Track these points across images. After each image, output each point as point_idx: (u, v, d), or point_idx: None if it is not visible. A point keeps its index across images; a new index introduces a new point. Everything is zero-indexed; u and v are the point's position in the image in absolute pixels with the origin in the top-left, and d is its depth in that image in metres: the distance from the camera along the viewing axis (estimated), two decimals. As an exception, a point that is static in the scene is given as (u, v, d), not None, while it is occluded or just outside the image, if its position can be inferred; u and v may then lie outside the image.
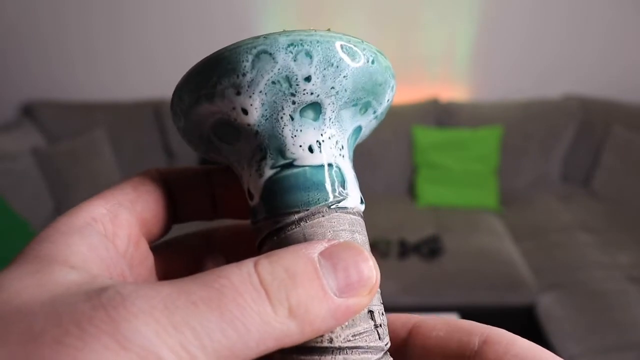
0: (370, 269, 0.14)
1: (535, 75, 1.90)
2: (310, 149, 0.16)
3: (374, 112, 0.18)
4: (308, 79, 0.15)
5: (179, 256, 0.20)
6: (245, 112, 0.15)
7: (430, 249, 1.42)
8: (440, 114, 1.82)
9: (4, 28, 1.82)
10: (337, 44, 0.15)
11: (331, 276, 0.13)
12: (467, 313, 1.18)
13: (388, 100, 0.18)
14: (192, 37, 1.87)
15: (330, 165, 0.16)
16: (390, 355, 0.17)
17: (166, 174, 0.19)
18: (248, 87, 0.15)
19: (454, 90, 1.93)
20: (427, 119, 1.81)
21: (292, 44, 0.15)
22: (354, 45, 0.15)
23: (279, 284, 0.12)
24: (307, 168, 0.16)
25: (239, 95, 0.15)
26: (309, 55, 0.15)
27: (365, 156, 1.80)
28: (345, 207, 0.16)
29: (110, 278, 0.14)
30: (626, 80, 1.85)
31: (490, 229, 1.57)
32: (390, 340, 0.17)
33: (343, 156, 0.16)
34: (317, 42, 0.15)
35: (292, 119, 0.16)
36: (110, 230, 0.16)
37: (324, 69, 0.15)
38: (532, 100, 1.82)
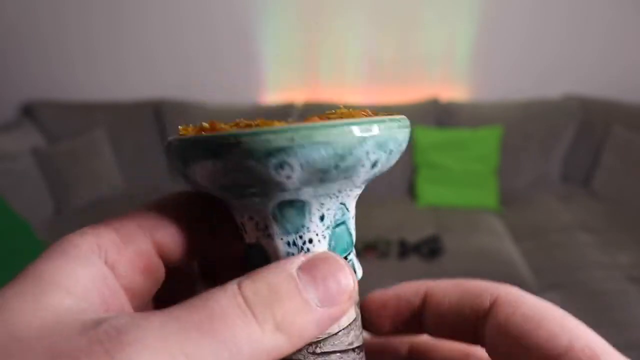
0: (347, 277, 0.15)
1: (535, 75, 1.90)
2: (241, 229, 0.17)
3: (276, 192, 0.16)
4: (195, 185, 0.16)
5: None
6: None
7: (430, 249, 1.42)
8: (440, 114, 1.82)
9: (4, 28, 1.82)
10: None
11: (312, 289, 0.14)
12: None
13: (289, 177, 0.15)
14: (192, 37, 1.87)
15: (254, 245, 0.17)
16: (408, 324, 0.19)
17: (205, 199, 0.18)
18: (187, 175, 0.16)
19: (454, 90, 1.93)
20: (427, 119, 1.81)
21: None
22: (187, 157, 0.15)
23: (263, 302, 0.13)
24: (244, 245, 0.17)
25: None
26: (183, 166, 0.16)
27: (365, 156, 1.80)
28: None
29: (106, 310, 0.14)
30: (626, 80, 1.85)
31: (490, 229, 1.56)
32: (406, 309, 0.19)
33: (269, 235, 0.16)
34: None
35: (231, 201, 0.17)
36: (113, 259, 0.16)
37: (200, 178, 0.16)
38: (532, 100, 1.82)
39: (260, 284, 0.13)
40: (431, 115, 1.81)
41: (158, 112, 1.85)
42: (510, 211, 1.70)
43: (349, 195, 0.17)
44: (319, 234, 0.16)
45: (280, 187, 0.15)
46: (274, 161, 0.14)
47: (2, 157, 1.58)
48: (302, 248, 0.16)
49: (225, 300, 0.13)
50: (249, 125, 0.15)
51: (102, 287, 0.15)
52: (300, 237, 0.16)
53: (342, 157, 0.14)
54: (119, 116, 1.86)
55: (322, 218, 0.17)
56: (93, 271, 0.15)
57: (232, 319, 0.12)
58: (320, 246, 0.16)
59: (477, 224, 1.59)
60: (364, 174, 0.16)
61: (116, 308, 0.15)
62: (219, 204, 0.18)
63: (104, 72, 1.94)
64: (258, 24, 1.85)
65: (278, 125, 0.14)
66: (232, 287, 0.13)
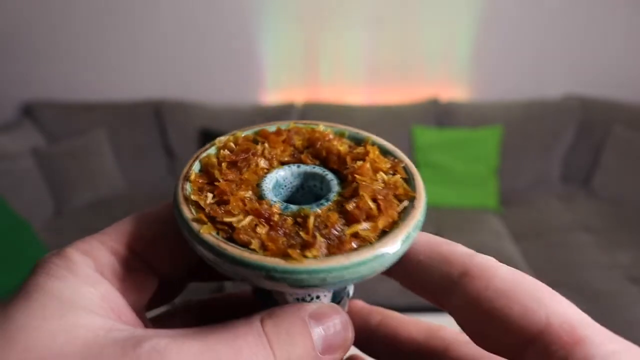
0: (347, 331, 0.17)
1: (535, 75, 1.90)
2: None
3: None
4: None
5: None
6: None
7: (430, 249, 1.42)
8: (440, 114, 1.82)
9: (4, 28, 1.82)
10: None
11: (319, 337, 0.16)
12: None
13: (317, 297, 0.19)
14: (192, 37, 1.87)
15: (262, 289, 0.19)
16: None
17: None
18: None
19: (454, 90, 1.93)
20: (427, 119, 1.81)
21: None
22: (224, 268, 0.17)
23: (282, 343, 0.15)
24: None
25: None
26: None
27: (365, 156, 1.80)
28: None
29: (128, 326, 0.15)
30: (626, 80, 1.85)
31: (490, 229, 1.56)
32: None
33: (281, 292, 0.19)
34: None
35: None
36: (110, 273, 0.17)
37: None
38: (532, 100, 1.82)
39: (280, 327, 0.15)
40: (431, 115, 1.81)
41: (158, 112, 1.85)
42: (510, 211, 1.70)
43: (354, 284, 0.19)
44: (326, 294, 0.19)
45: (304, 300, 0.18)
46: (302, 292, 0.17)
47: (2, 157, 1.58)
48: (309, 302, 0.18)
49: (253, 338, 0.15)
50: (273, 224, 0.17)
51: (112, 302, 0.16)
52: (309, 294, 0.18)
53: (361, 278, 0.16)
54: (119, 116, 1.86)
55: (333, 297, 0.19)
56: (101, 288, 0.16)
57: (258, 357, 0.15)
58: (325, 299, 0.19)
59: (477, 224, 1.59)
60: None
61: (130, 322, 0.16)
62: None
63: (104, 72, 1.93)
64: (258, 24, 1.85)
65: (314, 263, 0.15)
66: (257, 325, 0.15)
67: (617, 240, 1.50)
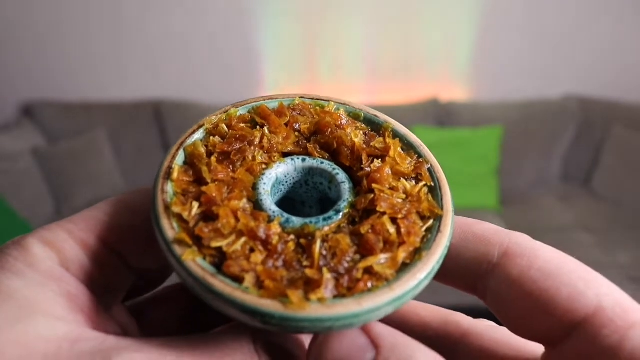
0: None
1: (535, 75, 1.90)
2: None
3: None
4: None
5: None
6: None
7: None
8: (440, 114, 1.82)
9: (4, 28, 1.82)
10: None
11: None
12: (467, 313, 1.18)
13: None
14: (192, 37, 1.87)
15: None
16: None
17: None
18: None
19: (454, 90, 1.93)
20: (427, 119, 1.81)
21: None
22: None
23: None
24: None
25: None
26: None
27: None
28: None
29: (95, 328, 0.13)
30: (626, 80, 1.85)
31: (490, 229, 1.56)
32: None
33: None
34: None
35: None
36: (74, 265, 0.14)
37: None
38: (532, 100, 1.82)
39: (275, 351, 0.14)
40: (431, 115, 1.81)
41: (158, 112, 1.85)
42: (510, 211, 1.70)
43: None
44: None
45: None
46: (306, 332, 0.14)
47: (2, 157, 1.58)
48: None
49: (241, 356, 0.13)
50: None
51: (80, 303, 0.13)
52: None
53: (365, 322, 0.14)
54: (119, 116, 1.86)
55: None
56: (66, 286, 0.13)
57: None
58: None
59: (477, 224, 1.59)
60: None
61: (101, 326, 0.14)
62: None
63: (104, 72, 1.93)
64: (258, 24, 1.85)
65: (320, 311, 0.13)
66: (249, 345, 0.13)
67: (617, 240, 1.50)
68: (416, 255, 0.14)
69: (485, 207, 1.70)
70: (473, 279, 0.15)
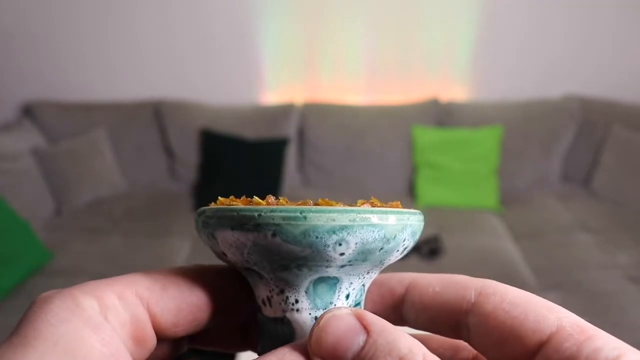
0: None
1: (535, 75, 1.90)
2: (264, 302, 0.18)
3: (328, 267, 0.17)
4: (221, 255, 0.18)
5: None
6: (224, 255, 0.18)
7: (430, 249, 1.42)
8: (440, 114, 1.82)
9: (4, 28, 1.82)
10: (229, 227, 0.16)
11: None
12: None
13: (343, 254, 0.16)
14: (192, 37, 1.87)
15: (279, 319, 0.18)
16: (387, 312, 0.19)
17: (211, 277, 0.19)
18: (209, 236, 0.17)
19: (454, 90, 1.93)
20: (427, 119, 1.81)
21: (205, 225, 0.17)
22: (244, 224, 0.16)
23: None
24: (264, 318, 0.18)
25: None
26: (213, 236, 0.17)
27: (365, 156, 1.80)
28: None
29: None
30: (626, 80, 1.85)
31: (490, 229, 1.57)
32: (387, 297, 0.20)
33: (298, 310, 0.17)
34: (214, 225, 0.17)
35: (250, 276, 0.18)
36: (112, 323, 0.16)
37: (229, 247, 0.17)
38: (532, 100, 1.82)
39: None
40: (431, 115, 1.81)
41: (158, 112, 1.85)
42: (510, 211, 1.70)
43: (370, 278, 0.19)
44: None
45: (329, 263, 0.16)
46: (335, 238, 0.15)
47: (2, 157, 1.58)
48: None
49: None
50: (286, 203, 0.16)
51: (113, 350, 0.15)
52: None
53: (387, 241, 0.16)
54: (119, 116, 1.86)
55: (347, 296, 0.18)
56: (103, 334, 0.15)
57: None
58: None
59: (477, 224, 1.59)
60: (394, 259, 0.18)
61: None
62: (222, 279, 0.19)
63: (104, 72, 1.94)
64: (258, 24, 1.85)
65: (336, 205, 0.16)
66: None
67: (617, 240, 1.50)
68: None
69: (485, 207, 1.70)
70: (456, 319, 0.18)
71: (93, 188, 1.77)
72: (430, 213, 1.67)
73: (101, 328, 0.15)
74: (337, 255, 0.16)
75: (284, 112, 1.82)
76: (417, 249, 1.42)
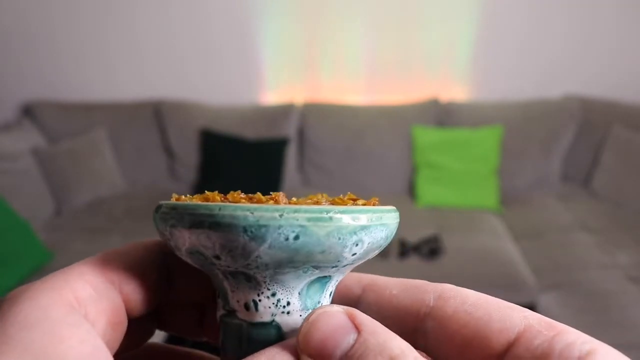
0: None
1: (535, 75, 1.90)
2: (246, 307, 0.16)
3: (333, 267, 0.16)
4: (217, 257, 0.15)
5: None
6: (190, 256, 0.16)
7: (430, 249, 1.42)
8: (440, 114, 1.82)
9: (4, 28, 1.82)
10: (240, 228, 0.14)
11: None
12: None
13: (354, 254, 0.16)
14: (192, 37, 1.87)
15: (267, 323, 0.16)
16: None
17: (167, 252, 0.19)
18: (175, 245, 0.16)
19: (454, 90, 1.93)
20: (427, 119, 1.81)
21: (194, 225, 0.15)
22: (261, 227, 0.14)
23: None
24: (244, 323, 0.17)
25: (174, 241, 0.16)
26: (209, 237, 0.15)
27: (365, 156, 1.80)
28: None
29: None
30: (626, 80, 1.85)
31: (490, 229, 1.56)
32: (343, 296, 0.18)
33: (288, 312, 0.16)
34: (218, 224, 0.14)
35: (227, 278, 0.16)
36: (92, 315, 0.15)
37: (229, 251, 0.15)
38: (532, 100, 1.82)
39: None
40: (431, 115, 1.81)
41: (158, 112, 1.85)
42: (510, 211, 1.70)
43: (344, 274, 0.18)
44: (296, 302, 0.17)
45: (339, 264, 0.16)
46: (355, 239, 0.15)
47: (2, 157, 1.58)
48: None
49: None
50: (273, 200, 0.15)
51: (93, 351, 0.14)
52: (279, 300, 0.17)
53: (387, 239, 0.16)
54: (119, 116, 1.86)
55: (330, 294, 0.18)
56: (82, 335, 0.14)
57: None
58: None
59: (477, 224, 1.59)
60: (374, 255, 0.17)
61: None
62: (181, 261, 0.18)
63: (104, 72, 1.94)
64: (258, 24, 1.85)
65: (352, 204, 0.15)
66: None
67: (617, 240, 1.50)
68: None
69: (485, 207, 1.70)
70: (413, 323, 0.17)
71: (93, 188, 1.77)
72: (430, 213, 1.67)
73: (77, 325, 0.14)
74: (349, 256, 0.15)
75: (284, 112, 1.82)
76: (417, 249, 1.42)
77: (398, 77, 1.93)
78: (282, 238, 0.14)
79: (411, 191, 1.81)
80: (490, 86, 1.92)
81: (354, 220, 0.15)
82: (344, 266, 0.16)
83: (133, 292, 0.17)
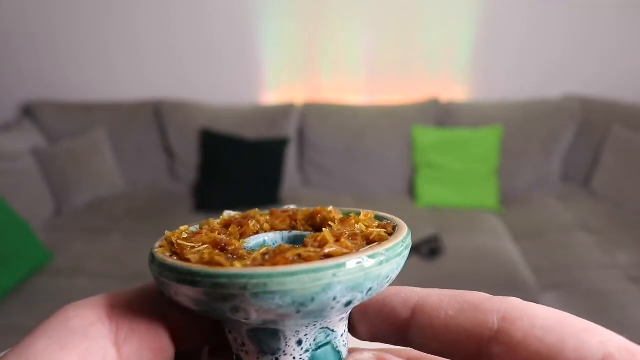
0: None
1: (535, 75, 1.90)
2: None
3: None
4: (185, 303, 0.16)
5: None
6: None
7: (430, 249, 1.42)
8: (440, 114, 1.82)
9: (4, 28, 1.83)
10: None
11: None
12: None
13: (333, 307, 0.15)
14: (192, 37, 1.87)
15: (236, 356, 0.17)
16: (390, 335, 0.17)
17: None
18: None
19: (454, 90, 1.93)
20: (427, 119, 1.81)
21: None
22: (271, 297, 0.14)
23: None
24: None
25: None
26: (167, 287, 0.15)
27: (365, 156, 1.80)
28: None
29: None
30: (626, 80, 1.85)
31: (490, 229, 1.56)
32: (390, 319, 0.17)
33: (247, 352, 0.17)
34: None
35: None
36: (124, 336, 0.16)
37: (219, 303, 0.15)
38: (532, 100, 1.82)
39: None
40: (431, 115, 1.81)
41: (158, 112, 1.85)
42: (510, 211, 1.70)
43: (330, 322, 0.16)
44: (297, 357, 0.16)
45: (242, 323, 0.15)
46: (227, 305, 0.14)
47: (2, 157, 1.58)
48: None
49: None
50: (222, 247, 0.15)
51: None
52: (277, 358, 0.16)
53: (302, 304, 0.14)
54: (119, 116, 1.86)
55: (299, 342, 0.16)
56: (88, 349, 0.14)
57: None
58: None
59: (477, 224, 1.59)
60: (337, 313, 0.15)
61: None
62: None
63: (104, 72, 1.94)
64: (258, 24, 1.85)
65: (235, 268, 0.14)
66: None
67: (617, 240, 1.50)
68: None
69: (485, 207, 1.70)
70: (476, 348, 0.15)
71: (93, 188, 1.77)
72: (430, 213, 1.67)
73: (85, 338, 0.14)
74: (241, 319, 0.15)
75: (284, 112, 1.82)
76: (417, 249, 1.42)
77: (398, 77, 1.93)
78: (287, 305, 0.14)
79: (411, 191, 1.81)
80: (490, 86, 1.92)
81: (219, 288, 0.14)
82: (261, 324, 0.15)
83: (178, 320, 0.17)
